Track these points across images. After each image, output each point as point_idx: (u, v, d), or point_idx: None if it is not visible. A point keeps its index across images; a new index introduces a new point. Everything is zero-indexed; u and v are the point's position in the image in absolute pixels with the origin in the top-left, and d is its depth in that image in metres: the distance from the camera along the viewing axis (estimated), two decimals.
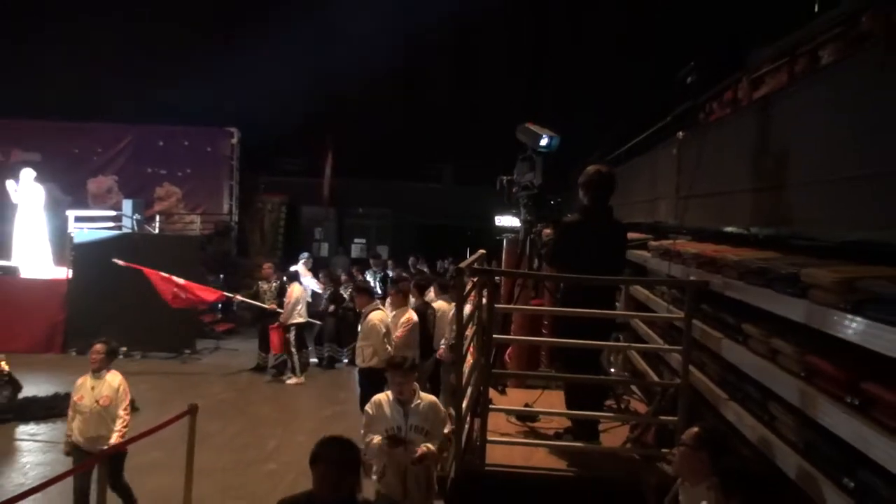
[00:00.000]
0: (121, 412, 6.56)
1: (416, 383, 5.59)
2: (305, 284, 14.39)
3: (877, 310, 3.06)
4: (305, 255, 16.64)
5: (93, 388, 6.56)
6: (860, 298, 3.22)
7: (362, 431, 5.44)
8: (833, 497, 3.20)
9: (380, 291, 14.63)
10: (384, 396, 5.55)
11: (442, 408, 5.61)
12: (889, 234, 3.63)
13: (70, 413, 6.69)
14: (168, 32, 20.40)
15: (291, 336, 12.99)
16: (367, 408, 5.60)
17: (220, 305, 17.76)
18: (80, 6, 19.90)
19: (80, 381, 6.72)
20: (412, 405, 5.38)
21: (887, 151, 3.57)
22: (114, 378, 6.67)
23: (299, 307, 13.10)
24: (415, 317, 9.27)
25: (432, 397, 5.73)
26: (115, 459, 6.42)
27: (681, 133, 7.54)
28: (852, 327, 3.22)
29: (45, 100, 18.77)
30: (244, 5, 20.79)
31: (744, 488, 2.95)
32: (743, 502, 2.93)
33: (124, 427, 6.54)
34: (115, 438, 6.42)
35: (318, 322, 14.37)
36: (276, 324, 13.21)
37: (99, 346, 6.66)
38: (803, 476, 3.53)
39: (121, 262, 13.10)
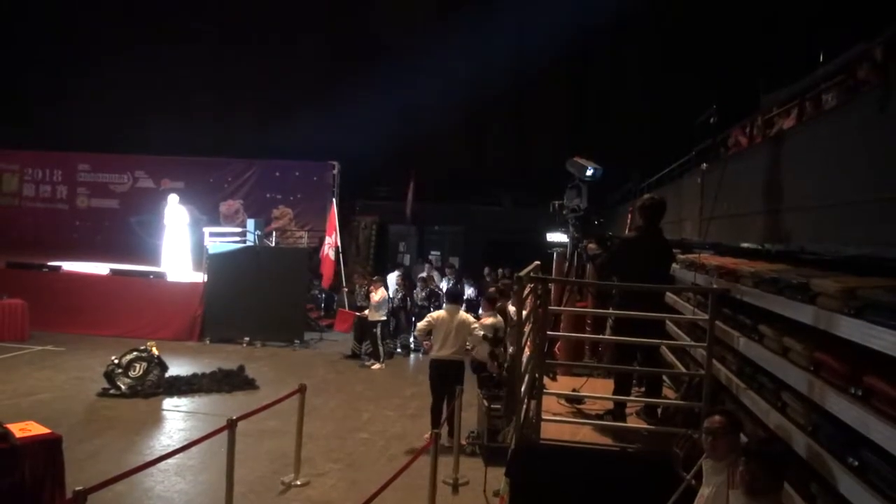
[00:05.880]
0: None
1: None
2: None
3: (875, 314, 3.01)
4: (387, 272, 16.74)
5: None
6: (861, 304, 3.15)
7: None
8: (839, 473, 3.11)
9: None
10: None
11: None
12: (881, 249, 3.56)
13: None
14: (282, 88, 21.06)
15: (377, 330, 13.07)
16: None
17: (323, 304, 18.07)
18: (218, 77, 20.90)
19: None
20: None
21: (879, 181, 3.49)
22: None
23: (382, 307, 13.17)
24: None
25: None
26: None
27: (704, 164, 7.41)
28: (855, 329, 3.14)
29: (188, 141, 19.44)
30: (342, 66, 21.19)
31: (770, 462, 2.95)
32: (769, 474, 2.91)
33: None
34: None
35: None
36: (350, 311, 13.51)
37: None
38: (812, 454, 3.43)
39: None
